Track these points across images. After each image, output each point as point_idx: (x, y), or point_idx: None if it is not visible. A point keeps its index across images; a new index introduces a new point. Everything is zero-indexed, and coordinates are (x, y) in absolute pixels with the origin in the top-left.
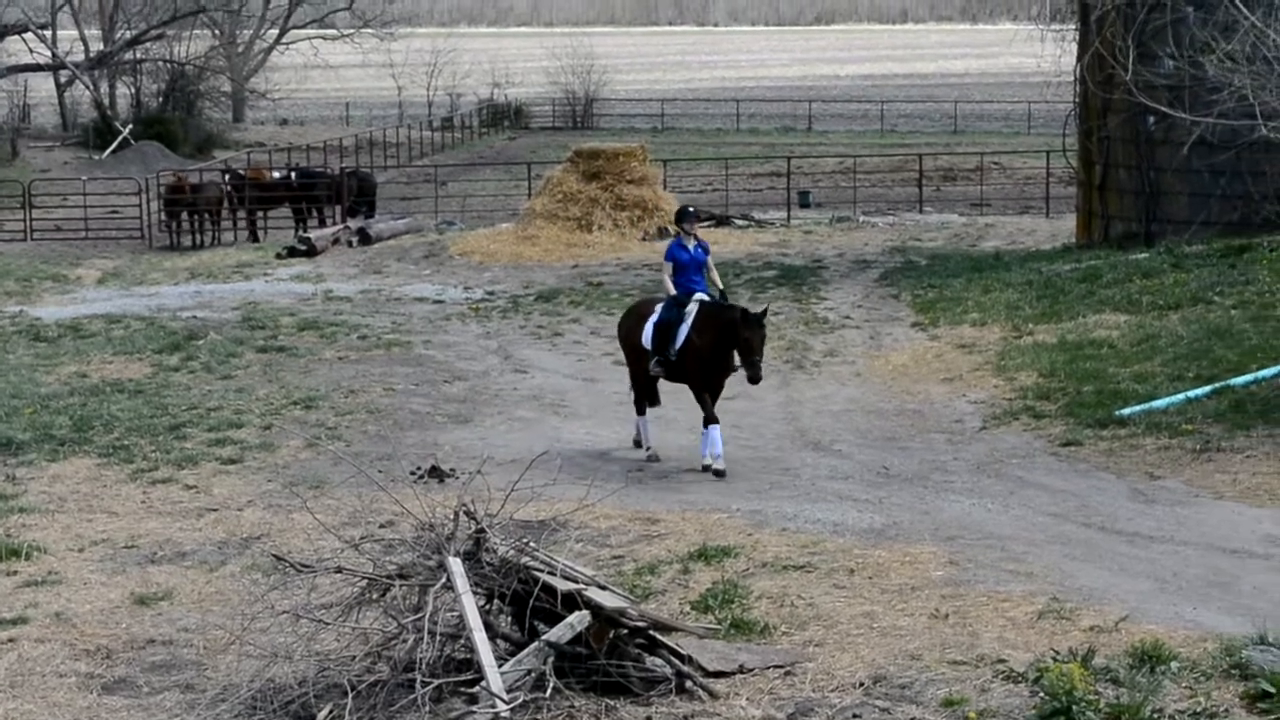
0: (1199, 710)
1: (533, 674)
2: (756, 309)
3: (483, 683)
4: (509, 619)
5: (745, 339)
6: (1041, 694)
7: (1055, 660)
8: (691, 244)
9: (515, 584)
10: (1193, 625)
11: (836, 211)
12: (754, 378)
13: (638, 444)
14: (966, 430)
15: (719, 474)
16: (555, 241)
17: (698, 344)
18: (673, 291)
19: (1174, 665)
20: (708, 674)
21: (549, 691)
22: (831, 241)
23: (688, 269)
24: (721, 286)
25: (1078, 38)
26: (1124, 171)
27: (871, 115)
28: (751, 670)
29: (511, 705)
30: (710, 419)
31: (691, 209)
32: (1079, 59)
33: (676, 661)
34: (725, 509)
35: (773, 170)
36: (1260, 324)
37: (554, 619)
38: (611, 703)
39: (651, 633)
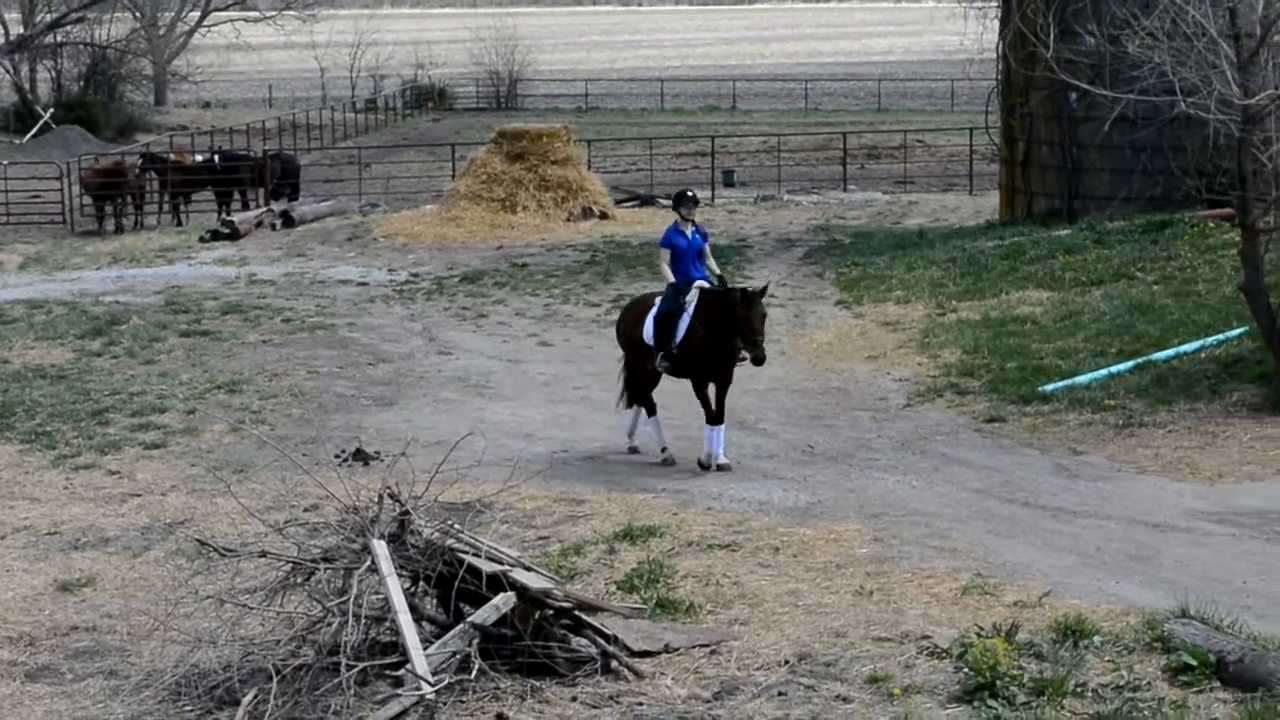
0: (1122, 684)
1: (458, 656)
2: (756, 286)
3: (408, 665)
4: (434, 601)
5: (744, 318)
6: (966, 669)
7: (979, 636)
8: (689, 229)
9: (440, 566)
10: (1115, 599)
11: (761, 190)
12: (757, 358)
13: (633, 450)
14: (891, 408)
15: (723, 468)
16: (479, 223)
17: (701, 335)
18: (671, 279)
19: (1097, 639)
20: (633, 654)
21: (474, 673)
22: (756, 220)
23: (686, 256)
24: (719, 272)
25: (1000, 15)
26: (1046, 148)
27: (796, 94)
28: (677, 650)
29: (437, 687)
30: (714, 418)
31: (690, 193)
32: (1001, 36)
33: (602, 642)
34: (651, 489)
35: (697, 150)
36: (1182, 299)
37: (479, 601)
38: (537, 683)
39: (577, 613)
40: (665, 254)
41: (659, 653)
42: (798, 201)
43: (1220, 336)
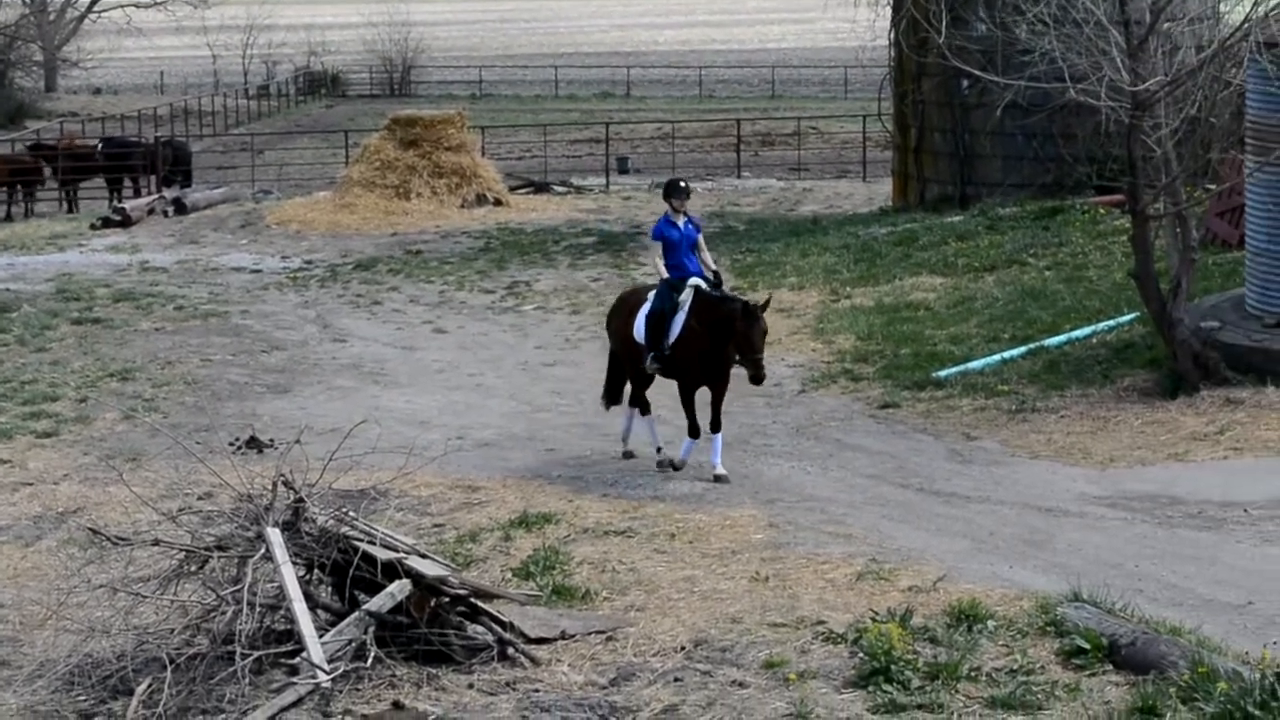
0: (1015, 667)
1: (354, 644)
2: (758, 300)
3: (303, 653)
4: (329, 589)
5: (743, 334)
6: (861, 654)
7: (874, 621)
8: (681, 220)
9: (335, 554)
10: (1009, 584)
11: (655, 177)
12: (756, 378)
13: (628, 455)
14: (785, 394)
15: (720, 479)
16: (373, 210)
17: (695, 338)
18: (665, 274)
19: (991, 624)
20: (529, 641)
21: (370, 661)
22: (650, 207)
23: (678, 249)
24: (715, 267)
25: (892, 2)
26: (939, 135)
27: (690, 81)
28: (573, 636)
29: (332, 675)
30: (694, 429)
31: (682, 183)
32: (893, 24)
33: (498, 629)
34: (547, 476)
35: (592, 136)
36: (1073, 285)
37: (375, 588)
38: (433, 671)
39: (473, 600)
40: (657, 247)
41: (555, 639)
42: (693, 189)
43: (1111, 322)
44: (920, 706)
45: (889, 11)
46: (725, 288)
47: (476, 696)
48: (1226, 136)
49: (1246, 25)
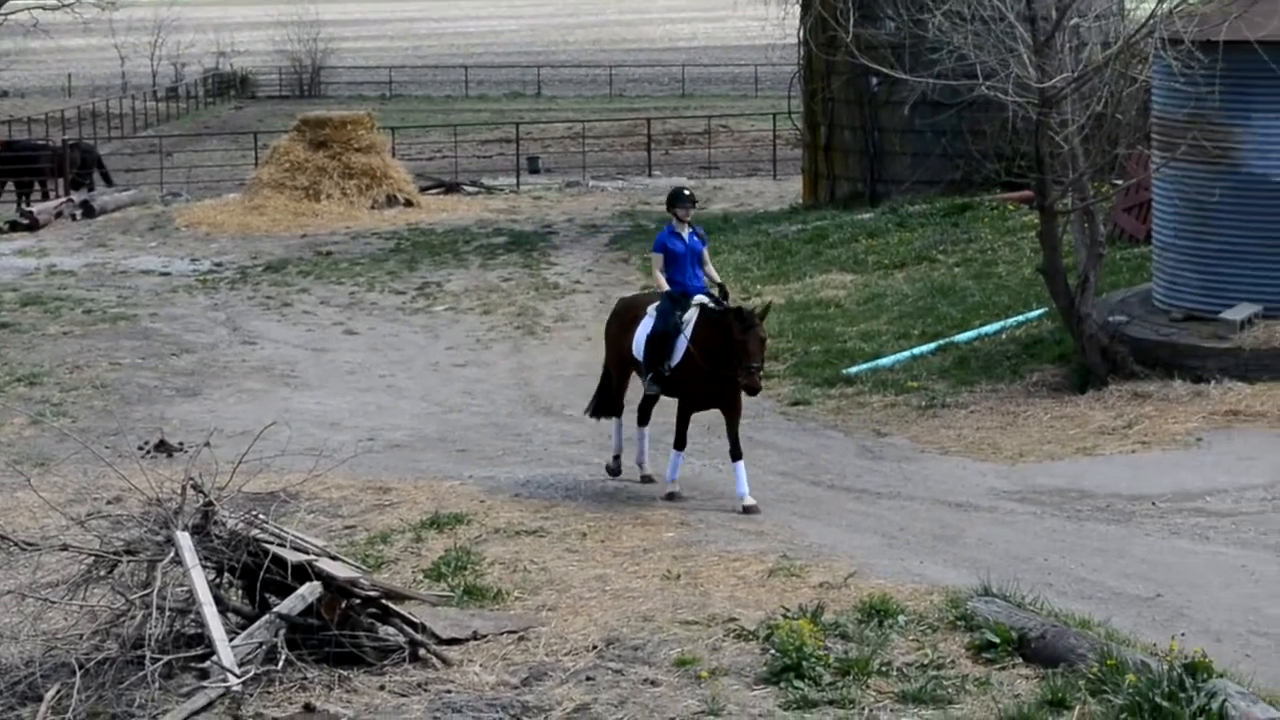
0: (926, 662)
1: (264, 647)
2: (755, 307)
3: (214, 657)
4: (240, 592)
5: (740, 341)
6: (772, 651)
7: (785, 617)
8: (686, 232)
9: (245, 557)
10: (919, 579)
11: (566, 177)
12: (751, 388)
13: (647, 479)
14: None
15: (750, 510)
16: (283, 211)
17: (699, 359)
18: (666, 287)
19: (901, 619)
20: (441, 641)
21: (281, 664)
22: (561, 207)
23: (682, 262)
24: (720, 280)
25: (801, 0)
26: (848, 132)
27: (600, 80)
28: (485, 636)
29: (243, 679)
30: (681, 440)
31: (687, 191)
32: (802, 22)
33: (410, 630)
34: (458, 476)
35: (502, 136)
36: (982, 281)
37: (286, 591)
38: (345, 673)
39: (384, 602)
40: (658, 259)
41: (467, 640)
42: (603, 188)
43: (1020, 318)
44: (831, 702)
45: (798, 9)
46: (730, 301)
47: (388, 698)
48: (1133, 132)
49: (1152, 22)
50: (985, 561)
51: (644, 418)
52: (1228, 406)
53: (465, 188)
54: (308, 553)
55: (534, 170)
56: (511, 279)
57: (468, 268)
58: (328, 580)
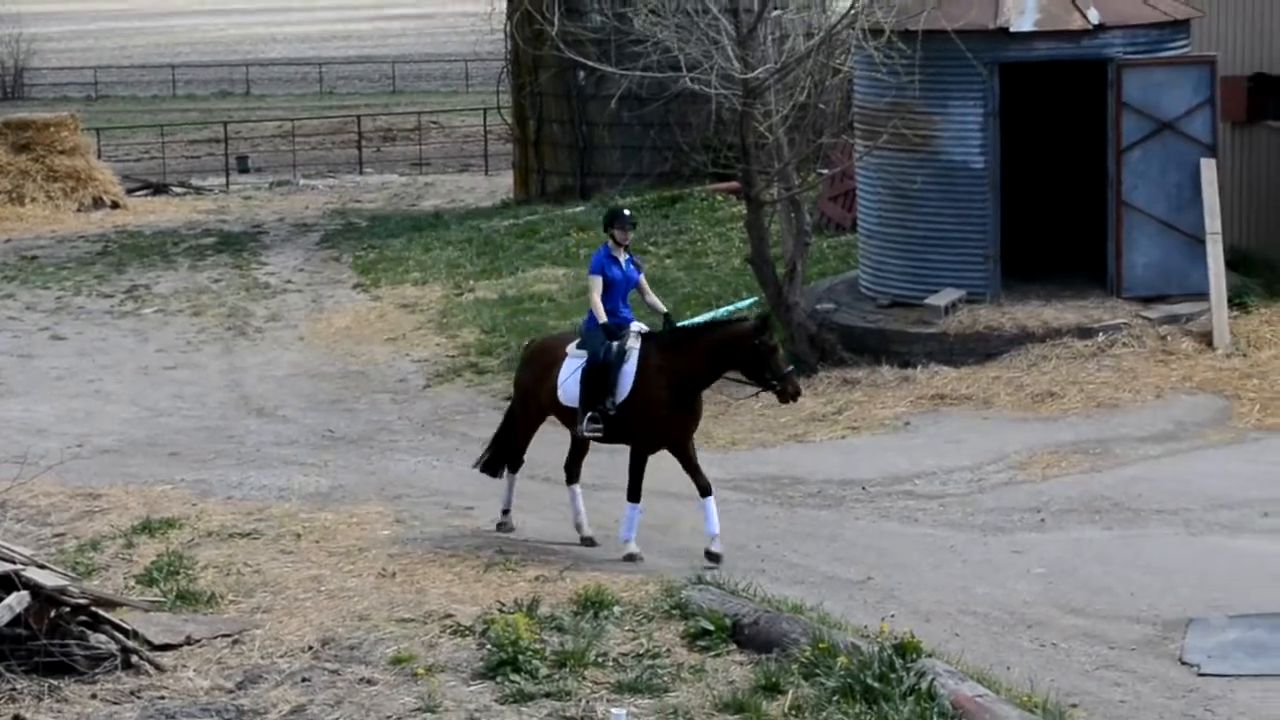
0: (642, 651)
1: None
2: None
3: None
4: None
5: (766, 356)
6: (489, 646)
7: (501, 612)
8: (623, 258)
9: None
10: (635, 570)
11: (276, 176)
12: (796, 393)
13: (589, 542)
14: (411, 389)
15: (715, 557)
16: None
17: (651, 391)
18: (603, 317)
19: (617, 609)
20: (155, 648)
21: None
22: (271, 206)
23: (616, 291)
24: (665, 310)
25: None
26: (558, 126)
27: (310, 78)
28: (199, 641)
29: None
30: (636, 491)
31: (627, 211)
32: (509, 16)
33: (121, 637)
34: (169, 480)
35: (211, 136)
36: (693, 272)
37: None
38: (55, 683)
39: (95, 609)
40: (597, 283)
41: (180, 645)
42: (314, 186)
43: (730, 307)
44: (548, 695)
45: (505, 4)
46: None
47: (100, 706)
48: (836, 122)
49: (853, 12)
50: (700, 551)
51: (574, 474)
52: (934, 391)
53: (174, 189)
54: (14, 562)
55: (244, 170)
56: (221, 280)
57: (177, 269)
58: (35, 589)
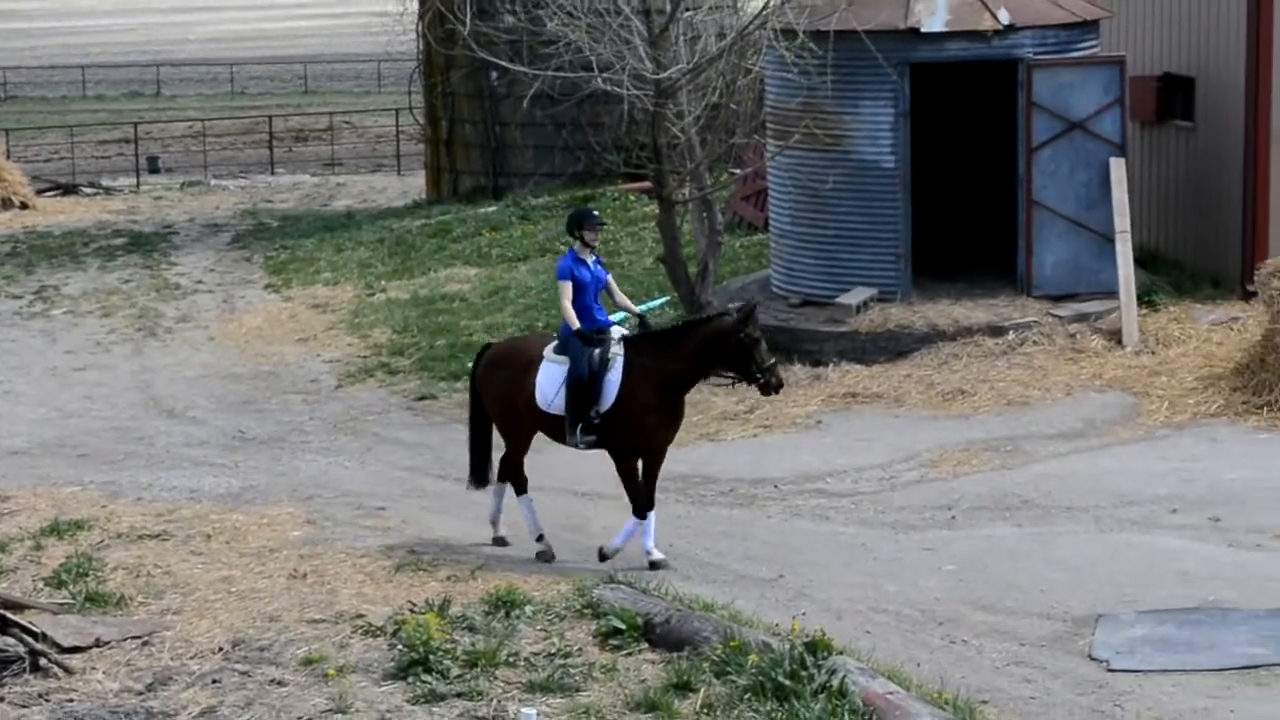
0: (553, 651)
1: None
2: (739, 309)
3: None
4: None
5: (750, 347)
6: (400, 646)
7: (413, 612)
8: (591, 259)
9: None
10: (546, 569)
11: (187, 176)
12: (780, 385)
13: (500, 541)
14: (322, 390)
15: (657, 565)
16: None
17: (638, 398)
18: (576, 323)
19: (529, 609)
20: (63, 650)
21: None
22: (182, 207)
23: (587, 293)
24: (639, 311)
25: None
26: (470, 126)
27: (222, 78)
28: (108, 643)
29: None
30: (648, 502)
31: (595, 212)
32: (421, 15)
33: (30, 639)
34: (79, 482)
35: (121, 137)
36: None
37: None
38: None
39: (2, 612)
40: (567, 288)
41: (89, 647)
42: (225, 186)
43: (644, 306)
44: (460, 695)
45: (416, 3)
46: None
47: (8, 710)
48: (749, 122)
49: (765, 13)
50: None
51: (507, 474)
52: (845, 389)
53: (83, 189)
54: None
55: (154, 170)
56: (132, 280)
57: (86, 270)
58: None
